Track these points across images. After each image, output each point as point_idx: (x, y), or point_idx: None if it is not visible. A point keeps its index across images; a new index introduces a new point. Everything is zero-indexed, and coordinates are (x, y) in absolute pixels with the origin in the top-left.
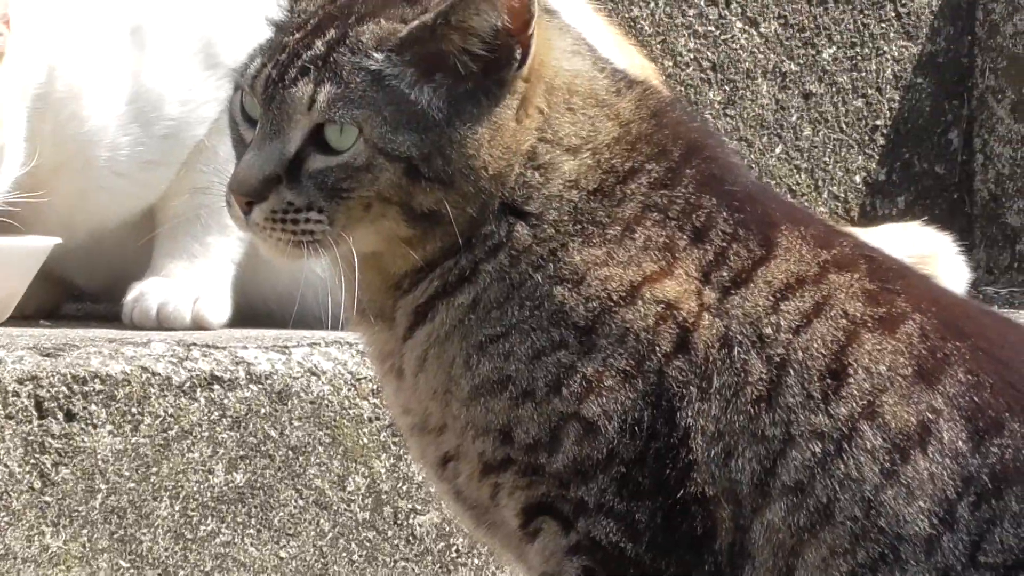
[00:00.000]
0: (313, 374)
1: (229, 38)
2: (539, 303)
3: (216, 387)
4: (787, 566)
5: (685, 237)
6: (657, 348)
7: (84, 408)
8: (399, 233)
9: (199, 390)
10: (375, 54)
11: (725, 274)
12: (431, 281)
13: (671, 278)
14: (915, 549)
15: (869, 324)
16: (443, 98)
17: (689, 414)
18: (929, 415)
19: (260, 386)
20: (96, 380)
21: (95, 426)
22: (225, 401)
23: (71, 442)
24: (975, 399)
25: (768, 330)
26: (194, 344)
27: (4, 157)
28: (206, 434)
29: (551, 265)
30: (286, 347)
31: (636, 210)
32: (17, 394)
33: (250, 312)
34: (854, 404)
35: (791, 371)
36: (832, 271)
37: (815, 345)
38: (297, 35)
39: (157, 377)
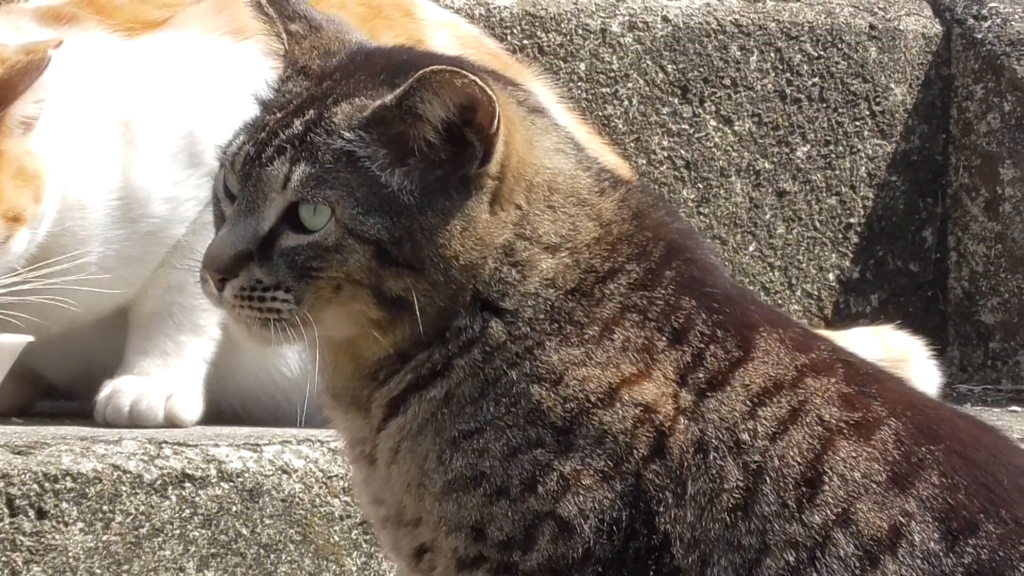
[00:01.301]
0: (284, 472)
1: (212, 135)
2: (515, 400)
3: (187, 485)
4: None
5: (664, 338)
6: (635, 451)
7: (55, 506)
8: (370, 316)
9: (170, 488)
10: (346, 133)
11: (702, 376)
12: (405, 374)
13: (649, 380)
14: None
15: (845, 431)
16: (415, 183)
17: (667, 519)
18: (901, 519)
19: (231, 484)
20: (68, 478)
21: (66, 524)
22: (196, 499)
23: (42, 540)
24: (949, 500)
25: (745, 436)
26: (165, 442)
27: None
28: (177, 532)
29: (527, 363)
30: (257, 445)
31: (615, 311)
32: None
33: (222, 410)
34: (828, 512)
35: (767, 479)
36: (809, 375)
37: (791, 453)
38: (278, 114)
39: (128, 475)
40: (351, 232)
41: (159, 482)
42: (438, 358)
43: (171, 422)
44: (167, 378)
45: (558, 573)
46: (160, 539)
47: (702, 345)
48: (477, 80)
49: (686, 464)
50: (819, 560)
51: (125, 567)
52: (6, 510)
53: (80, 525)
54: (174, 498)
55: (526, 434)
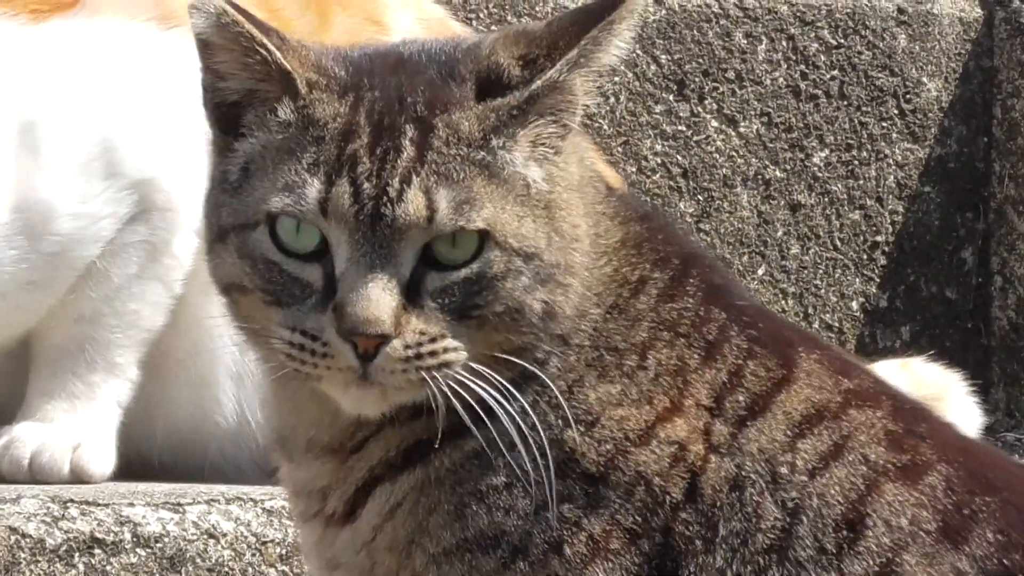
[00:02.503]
0: (211, 536)
1: (134, 144)
2: (547, 449)
3: (97, 551)
4: None
5: (696, 355)
6: (668, 497)
7: None
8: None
9: (77, 555)
10: (493, 139)
11: (741, 399)
12: (444, 418)
13: (680, 414)
14: None
15: (891, 473)
16: (547, 166)
17: (692, 570)
18: None
19: (149, 550)
20: None
21: None
22: (108, 568)
23: None
24: (1005, 562)
25: (783, 469)
26: (72, 500)
27: None
28: None
29: (566, 404)
30: (179, 504)
31: (649, 331)
32: None
33: (138, 462)
34: (871, 561)
35: (804, 519)
36: (853, 405)
37: (832, 492)
38: (361, 141)
39: (28, 539)
40: (516, 252)
41: (64, 548)
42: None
43: (79, 477)
44: (75, 425)
45: None
46: None
47: (740, 361)
48: None
49: (719, 503)
50: None
51: None
52: None
53: None
54: (81, 567)
55: (555, 488)
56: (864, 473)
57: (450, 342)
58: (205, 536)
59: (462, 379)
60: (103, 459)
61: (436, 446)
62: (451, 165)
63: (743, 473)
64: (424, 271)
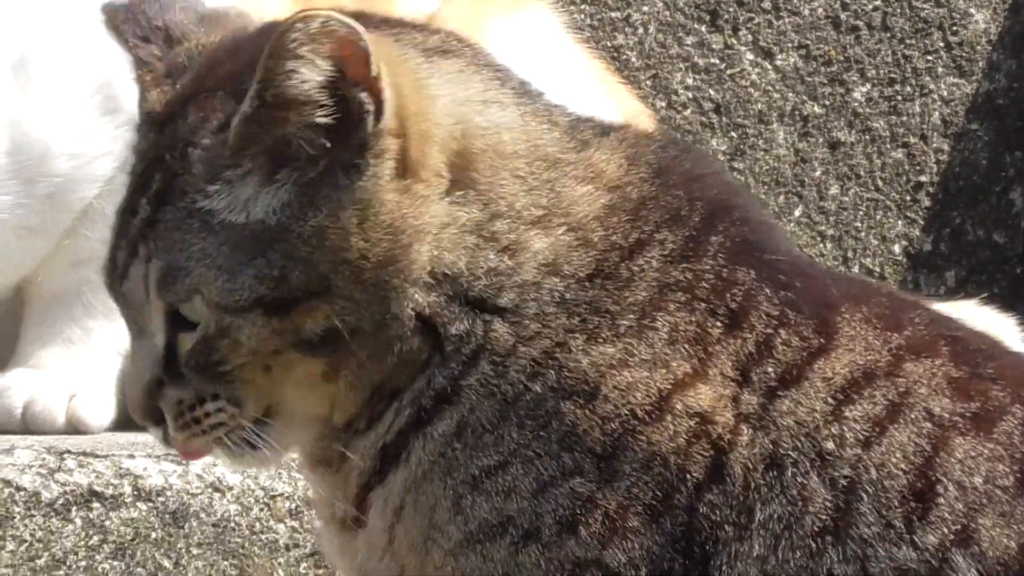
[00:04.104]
0: (216, 490)
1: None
2: (544, 422)
3: (96, 505)
4: None
5: (718, 323)
6: (688, 476)
7: None
8: (315, 371)
9: (75, 509)
10: (208, 187)
11: (771, 370)
12: (400, 410)
13: (704, 381)
14: None
15: (960, 425)
16: (290, 193)
17: (725, 560)
18: None
19: (150, 504)
20: None
21: None
22: (107, 523)
23: None
24: None
25: (830, 444)
26: (68, 452)
27: None
28: (83, 563)
29: (552, 372)
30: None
31: (652, 291)
32: None
33: None
34: (945, 530)
35: (863, 495)
36: (908, 359)
37: (893, 460)
38: (126, 196)
39: (22, 492)
40: (227, 309)
41: (60, 501)
42: (442, 382)
43: (75, 427)
44: (71, 372)
45: None
46: (61, 573)
47: (769, 330)
48: (331, 14)
49: (753, 485)
50: None
51: None
52: None
53: None
54: (79, 521)
55: (560, 462)
56: (929, 431)
57: (211, 405)
58: (210, 489)
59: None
60: (101, 408)
61: (390, 440)
62: (171, 224)
63: (780, 451)
64: (176, 335)
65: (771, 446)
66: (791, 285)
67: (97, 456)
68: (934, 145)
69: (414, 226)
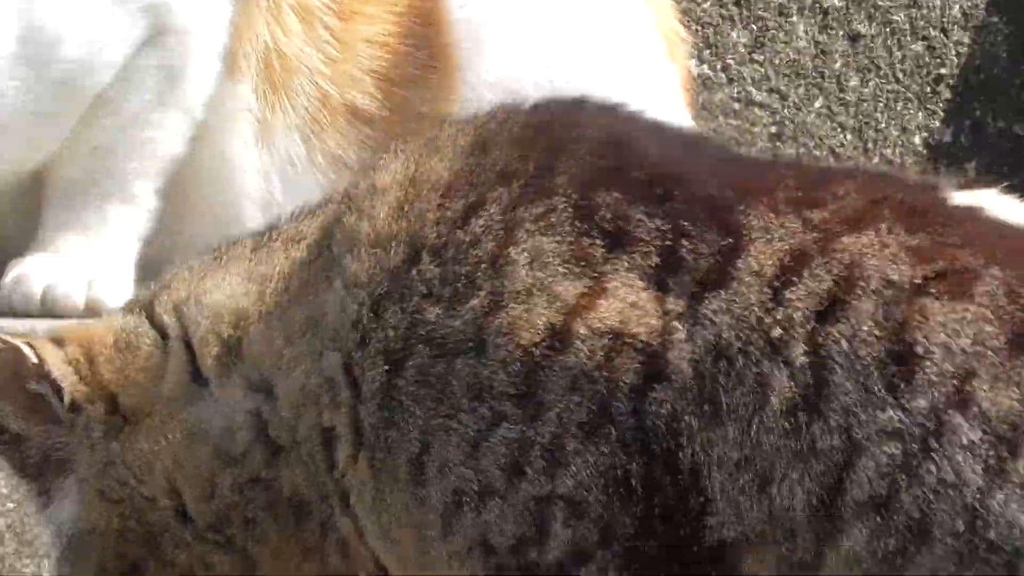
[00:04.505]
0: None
1: None
2: (442, 388)
3: None
4: None
5: (597, 243)
6: (621, 385)
7: None
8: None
9: None
10: None
11: (688, 278)
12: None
13: (605, 297)
14: None
15: (931, 290)
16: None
17: (696, 448)
18: None
19: None
20: None
21: None
22: None
23: None
24: None
25: (777, 331)
26: None
27: None
28: None
29: (422, 347)
30: None
31: (499, 237)
32: None
33: None
34: (935, 393)
35: (836, 367)
36: (843, 232)
37: (863, 329)
38: None
39: None
40: None
41: None
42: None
43: (94, 312)
44: (90, 258)
45: (585, 558)
46: None
47: (667, 242)
48: None
49: (708, 375)
50: (937, 451)
51: None
52: None
53: None
54: None
55: (478, 416)
56: (892, 297)
57: None
58: None
59: None
60: (120, 293)
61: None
62: None
63: (724, 343)
64: None
65: (713, 339)
66: (669, 195)
67: None
68: (954, 38)
69: None
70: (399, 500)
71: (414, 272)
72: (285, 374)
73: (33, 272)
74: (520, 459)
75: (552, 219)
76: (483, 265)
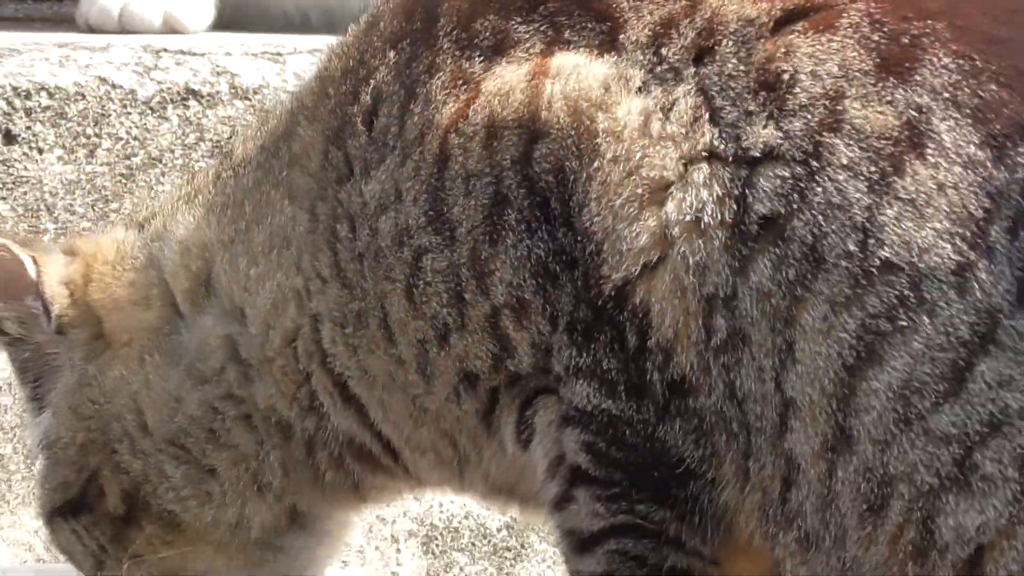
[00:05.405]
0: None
1: None
2: (376, 249)
3: (192, 103)
4: (786, 342)
5: (476, 60)
6: (504, 165)
7: (27, 128)
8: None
9: (171, 107)
10: None
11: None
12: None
13: (477, 98)
14: (941, 285)
15: (795, 28)
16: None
17: (579, 191)
18: (914, 113)
19: (247, 103)
20: (43, 93)
21: (41, 151)
22: (203, 121)
23: (11, 170)
24: (978, 92)
25: (656, 74)
26: (165, 50)
27: None
28: (179, 162)
29: (366, 223)
30: (279, 55)
31: (399, 94)
32: None
33: (238, 16)
34: (809, 115)
35: (715, 94)
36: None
37: (729, 65)
38: None
39: (119, 90)
40: None
41: (157, 99)
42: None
43: (172, 28)
44: None
45: (547, 350)
46: (157, 171)
47: (548, 35)
48: None
49: (577, 125)
50: (818, 173)
51: (113, 205)
52: None
53: (58, 152)
54: (175, 119)
55: (403, 261)
56: (752, 34)
57: None
58: None
59: None
60: (199, 9)
61: None
62: None
63: (589, 94)
64: None
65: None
66: (545, 1)
67: (194, 54)
68: None
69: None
70: (382, 368)
71: (329, 168)
72: (253, 296)
73: None
74: (456, 287)
75: (437, 61)
76: (392, 126)
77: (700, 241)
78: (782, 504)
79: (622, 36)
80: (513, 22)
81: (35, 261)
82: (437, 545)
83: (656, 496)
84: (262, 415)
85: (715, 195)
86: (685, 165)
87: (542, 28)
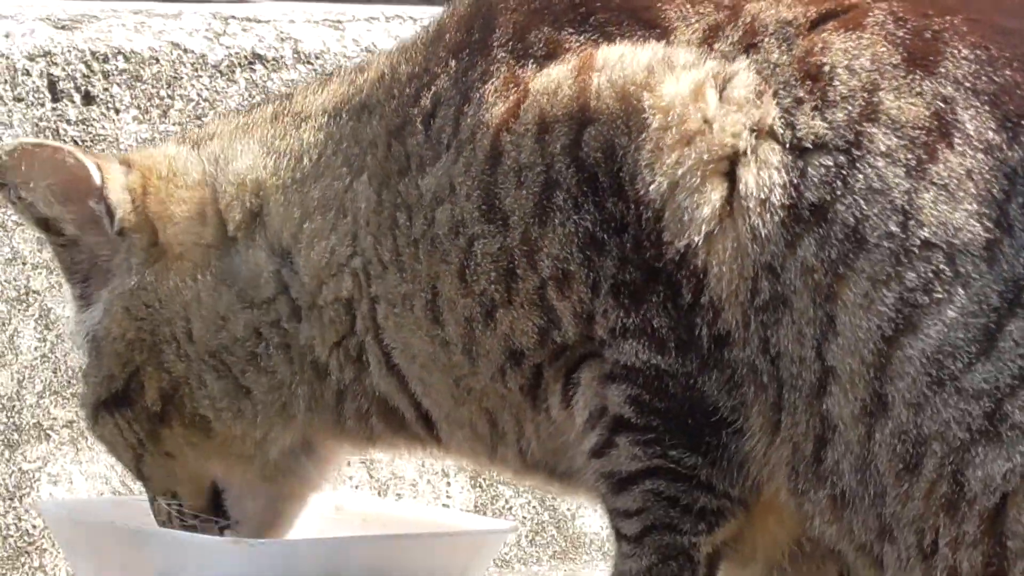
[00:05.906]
0: (370, 53)
1: None
2: (433, 236)
3: (258, 67)
4: (827, 315)
5: (529, 66)
6: (556, 153)
7: (105, 90)
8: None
9: (238, 70)
10: None
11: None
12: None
13: (526, 99)
14: (974, 259)
15: (826, 28)
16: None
17: (628, 162)
18: (941, 104)
19: (309, 67)
20: (119, 57)
21: (117, 111)
22: (268, 84)
23: (89, 129)
24: (994, 79)
25: (697, 61)
26: (233, 17)
27: None
28: None
29: (422, 213)
30: (339, 22)
31: (454, 99)
32: (28, 72)
33: None
34: (849, 107)
35: (773, 83)
36: (747, 2)
37: (774, 55)
38: None
39: (190, 54)
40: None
41: (225, 63)
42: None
43: None
44: None
45: (588, 316)
46: None
47: (600, 44)
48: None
49: (614, 110)
50: (859, 160)
51: None
52: (48, 94)
53: (133, 112)
54: (242, 82)
55: (458, 248)
56: (791, 33)
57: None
58: (364, 54)
59: None
60: None
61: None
62: None
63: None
64: None
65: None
66: (595, 11)
67: (260, 21)
68: None
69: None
70: (423, 349)
71: (391, 160)
72: (306, 247)
73: None
74: (507, 265)
75: (491, 69)
76: (447, 127)
77: (767, 215)
78: (815, 463)
79: (672, 39)
80: (566, 32)
81: (99, 167)
82: (484, 479)
83: (690, 443)
84: (300, 351)
85: (784, 180)
86: (757, 138)
87: (594, 37)
